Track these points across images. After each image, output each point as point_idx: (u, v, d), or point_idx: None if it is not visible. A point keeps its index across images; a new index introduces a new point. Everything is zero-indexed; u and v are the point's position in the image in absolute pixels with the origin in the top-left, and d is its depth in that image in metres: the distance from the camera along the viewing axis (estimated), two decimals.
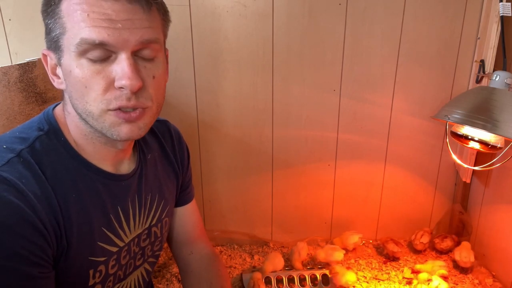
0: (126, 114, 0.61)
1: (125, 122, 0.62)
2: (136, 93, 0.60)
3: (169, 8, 0.68)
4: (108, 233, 0.70)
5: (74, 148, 0.67)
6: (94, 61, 0.58)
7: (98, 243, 0.68)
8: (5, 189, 0.56)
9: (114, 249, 0.72)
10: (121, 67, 0.58)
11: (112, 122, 0.61)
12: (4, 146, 0.62)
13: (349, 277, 1.41)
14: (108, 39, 0.57)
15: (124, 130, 0.62)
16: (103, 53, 0.58)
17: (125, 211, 0.73)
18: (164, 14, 0.65)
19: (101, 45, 0.57)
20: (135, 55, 0.60)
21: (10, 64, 1.00)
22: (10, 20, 1.36)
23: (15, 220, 0.56)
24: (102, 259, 0.69)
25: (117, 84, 0.59)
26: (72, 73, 0.59)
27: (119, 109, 0.60)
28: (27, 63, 1.06)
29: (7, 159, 0.59)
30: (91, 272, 0.68)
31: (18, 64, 1.03)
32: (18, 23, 1.36)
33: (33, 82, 1.07)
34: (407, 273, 1.48)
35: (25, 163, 0.60)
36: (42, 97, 1.11)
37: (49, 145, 0.64)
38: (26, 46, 1.38)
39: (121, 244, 0.73)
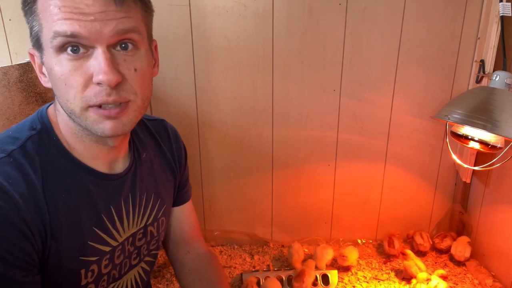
0: (106, 111, 0.60)
1: (106, 118, 0.60)
2: (116, 87, 0.59)
3: (169, 8, 0.67)
4: (100, 233, 0.70)
5: (66, 147, 0.66)
6: (71, 57, 0.57)
7: (89, 242, 0.68)
8: None
9: (107, 249, 0.71)
10: (97, 62, 0.57)
11: (94, 120, 0.60)
12: None
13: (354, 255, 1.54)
14: (80, 30, 0.55)
15: (107, 126, 0.61)
16: (79, 47, 0.57)
17: (118, 210, 0.73)
18: (143, 3, 0.63)
19: (73, 36, 0.55)
20: (114, 49, 0.59)
21: (10, 64, 1.01)
22: (10, 20, 1.36)
23: None
24: (94, 258, 0.69)
25: (95, 79, 0.57)
26: (53, 70, 0.58)
27: (100, 106, 0.60)
28: (27, 63, 1.06)
29: None
30: (83, 271, 0.68)
31: (18, 64, 1.03)
32: (18, 23, 1.36)
33: (33, 82, 1.07)
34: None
35: (14, 164, 0.60)
36: (42, 97, 1.11)
37: (41, 145, 0.64)
38: (26, 46, 1.38)
39: (114, 243, 0.72)
